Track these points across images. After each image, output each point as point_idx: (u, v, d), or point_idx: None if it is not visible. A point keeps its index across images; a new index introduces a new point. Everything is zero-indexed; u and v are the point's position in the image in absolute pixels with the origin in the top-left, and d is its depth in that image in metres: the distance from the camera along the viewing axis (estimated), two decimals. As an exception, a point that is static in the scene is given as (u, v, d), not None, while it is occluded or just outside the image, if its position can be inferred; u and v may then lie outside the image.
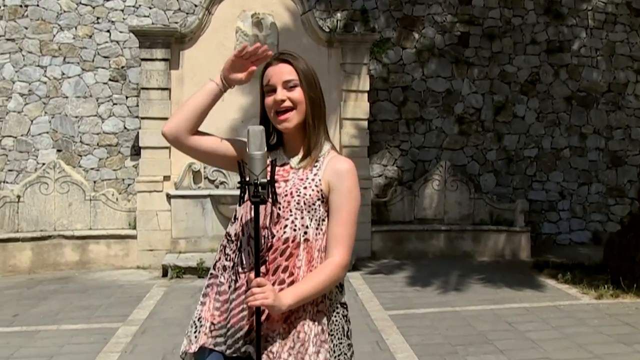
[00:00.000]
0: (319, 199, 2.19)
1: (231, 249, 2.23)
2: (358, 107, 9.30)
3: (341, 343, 2.21)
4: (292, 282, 2.13)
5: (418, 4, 10.36)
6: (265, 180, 2.04)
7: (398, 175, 10.28)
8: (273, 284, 2.09)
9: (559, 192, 10.63)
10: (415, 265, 8.82)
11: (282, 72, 2.18)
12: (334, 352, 2.19)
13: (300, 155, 2.25)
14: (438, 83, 10.37)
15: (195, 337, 2.22)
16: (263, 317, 2.09)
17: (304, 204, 2.16)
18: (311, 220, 2.17)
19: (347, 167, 2.22)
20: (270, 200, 2.07)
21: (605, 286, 7.24)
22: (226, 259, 2.23)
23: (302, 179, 2.21)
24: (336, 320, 2.22)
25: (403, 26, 10.34)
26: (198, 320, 2.25)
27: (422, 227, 9.58)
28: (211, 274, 2.29)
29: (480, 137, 10.45)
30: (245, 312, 2.12)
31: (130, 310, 6.58)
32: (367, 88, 9.35)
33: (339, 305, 2.25)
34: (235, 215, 2.26)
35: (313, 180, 2.20)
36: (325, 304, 2.19)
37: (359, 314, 6.42)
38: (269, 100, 2.20)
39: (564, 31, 10.69)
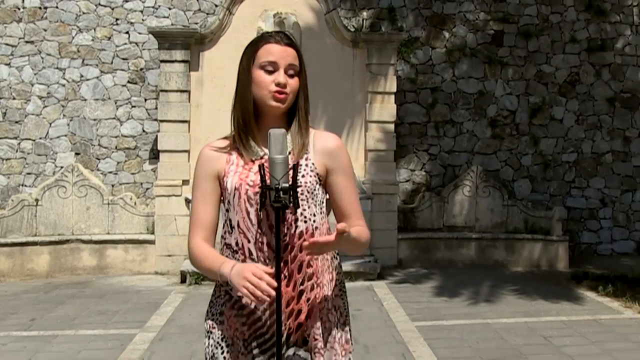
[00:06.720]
0: (317, 183, 2.32)
1: (238, 260, 2.27)
2: (384, 109, 9.48)
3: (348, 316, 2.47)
4: (312, 274, 2.29)
5: (449, 1, 10.48)
6: (287, 185, 2.12)
7: (426, 181, 10.41)
8: (302, 282, 2.28)
9: (600, 199, 10.66)
10: (443, 275, 8.93)
11: (289, 56, 2.27)
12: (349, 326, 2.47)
13: None
14: (469, 84, 10.49)
15: (224, 358, 2.32)
16: (301, 318, 2.28)
17: (308, 192, 2.28)
18: (315, 206, 2.31)
19: (337, 144, 2.37)
20: (292, 205, 2.15)
21: (651, 300, 7.17)
22: None
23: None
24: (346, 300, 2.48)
25: (432, 25, 10.48)
26: (223, 340, 2.32)
27: (452, 235, 9.69)
28: (225, 292, 2.33)
29: (515, 141, 10.54)
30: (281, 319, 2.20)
31: (148, 317, 6.87)
32: (394, 90, 9.51)
33: (344, 283, 2.48)
34: (230, 224, 2.31)
35: (307, 165, 2.31)
36: (340, 288, 2.44)
37: (384, 324, 6.53)
38: (266, 77, 2.25)
39: (606, 29, 10.72)
